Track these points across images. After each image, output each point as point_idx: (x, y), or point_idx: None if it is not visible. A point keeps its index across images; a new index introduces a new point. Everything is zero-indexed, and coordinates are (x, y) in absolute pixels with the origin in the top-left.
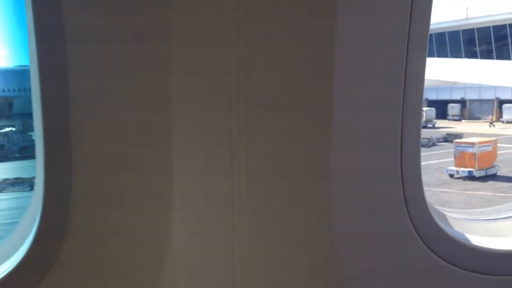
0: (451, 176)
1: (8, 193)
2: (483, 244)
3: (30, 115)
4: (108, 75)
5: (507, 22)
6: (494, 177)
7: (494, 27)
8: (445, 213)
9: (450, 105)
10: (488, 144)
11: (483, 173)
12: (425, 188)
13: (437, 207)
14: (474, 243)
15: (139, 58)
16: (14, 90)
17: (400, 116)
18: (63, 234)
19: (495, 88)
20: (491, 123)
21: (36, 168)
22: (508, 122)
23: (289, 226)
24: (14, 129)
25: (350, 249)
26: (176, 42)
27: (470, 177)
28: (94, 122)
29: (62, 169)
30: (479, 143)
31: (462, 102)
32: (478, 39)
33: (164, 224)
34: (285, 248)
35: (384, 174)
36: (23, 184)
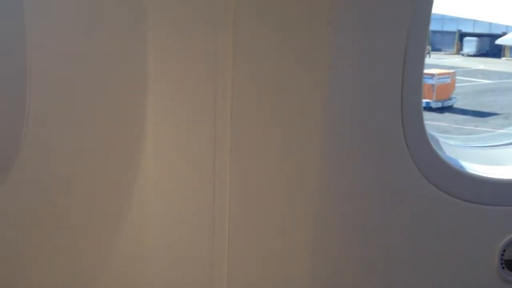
0: None
1: None
2: (478, 172)
3: None
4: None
5: None
6: (450, 109)
7: None
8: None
9: None
10: (447, 76)
11: (440, 105)
12: None
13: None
14: (469, 171)
15: None
16: None
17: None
18: None
19: (458, 20)
20: (427, 52)
21: None
22: (468, 55)
23: None
24: None
25: (341, 167)
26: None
27: (428, 108)
28: None
29: None
30: (439, 74)
31: None
32: None
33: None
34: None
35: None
36: None
